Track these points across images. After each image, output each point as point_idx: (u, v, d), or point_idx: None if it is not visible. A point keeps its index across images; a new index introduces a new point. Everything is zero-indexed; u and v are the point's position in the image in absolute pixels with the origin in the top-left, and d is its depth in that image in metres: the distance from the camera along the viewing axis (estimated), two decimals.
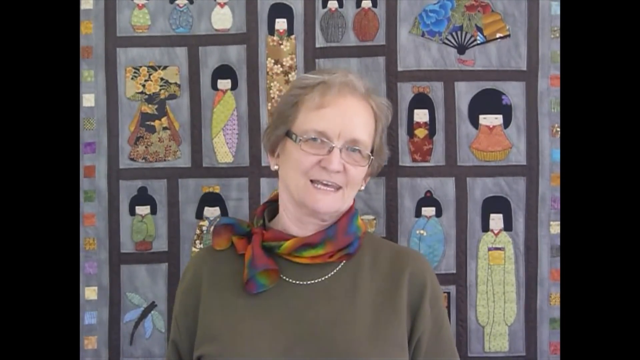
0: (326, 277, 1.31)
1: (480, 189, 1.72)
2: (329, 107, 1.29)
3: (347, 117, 1.29)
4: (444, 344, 1.35)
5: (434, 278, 1.36)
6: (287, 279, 1.31)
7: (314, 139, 1.28)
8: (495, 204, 1.72)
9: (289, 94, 1.37)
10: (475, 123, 1.73)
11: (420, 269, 1.34)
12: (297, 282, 1.31)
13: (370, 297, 1.30)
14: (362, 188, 1.38)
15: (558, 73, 1.70)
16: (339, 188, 1.29)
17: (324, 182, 1.28)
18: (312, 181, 1.28)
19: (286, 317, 1.27)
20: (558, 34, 1.71)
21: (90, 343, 1.73)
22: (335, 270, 1.32)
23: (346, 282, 1.31)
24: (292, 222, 1.34)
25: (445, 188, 1.72)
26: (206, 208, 1.75)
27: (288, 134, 1.32)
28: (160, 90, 1.75)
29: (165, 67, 1.75)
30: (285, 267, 1.31)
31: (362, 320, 1.26)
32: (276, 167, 1.37)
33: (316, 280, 1.31)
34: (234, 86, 1.74)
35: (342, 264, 1.33)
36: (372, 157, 1.33)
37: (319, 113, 1.29)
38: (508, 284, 1.72)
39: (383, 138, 1.38)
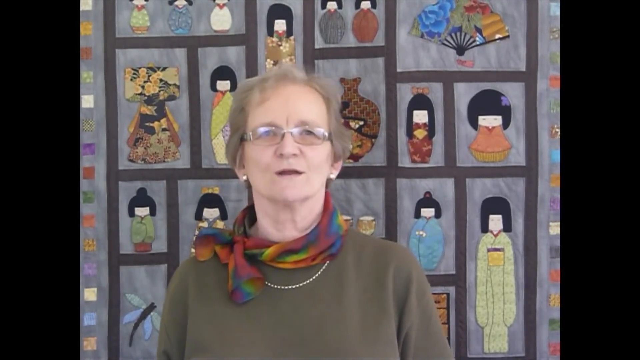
0: (311, 279, 1.31)
1: (479, 189, 1.72)
2: (271, 99, 1.30)
3: (290, 101, 1.29)
4: (433, 338, 1.34)
5: (419, 271, 1.35)
6: (272, 285, 1.30)
7: (266, 132, 1.28)
8: (495, 204, 1.72)
9: (235, 101, 1.37)
10: (474, 124, 1.73)
11: (404, 263, 1.33)
12: (283, 287, 1.30)
13: (356, 295, 1.29)
14: (333, 177, 1.36)
15: (557, 74, 1.70)
16: (301, 173, 1.27)
17: (286, 170, 1.27)
18: (277, 174, 1.27)
19: (275, 323, 1.26)
20: (557, 35, 1.71)
21: (89, 344, 1.72)
22: (319, 272, 1.31)
23: (332, 283, 1.30)
24: (270, 225, 1.33)
25: (445, 189, 1.72)
26: (205, 209, 1.74)
27: (242, 138, 1.32)
28: (159, 91, 1.75)
29: (164, 68, 1.75)
30: (269, 274, 1.30)
31: (351, 321, 1.26)
32: (245, 177, 1.36)
33: (301, 284, 1.30)
34: (233, 87, 1.74)
35: (326, 264, 1.32)
36: (325, 134, 1.30)
37: (263, 107, 1.30)
38: (507, 284, 1.72)
39: (339, 118, 1.38)
